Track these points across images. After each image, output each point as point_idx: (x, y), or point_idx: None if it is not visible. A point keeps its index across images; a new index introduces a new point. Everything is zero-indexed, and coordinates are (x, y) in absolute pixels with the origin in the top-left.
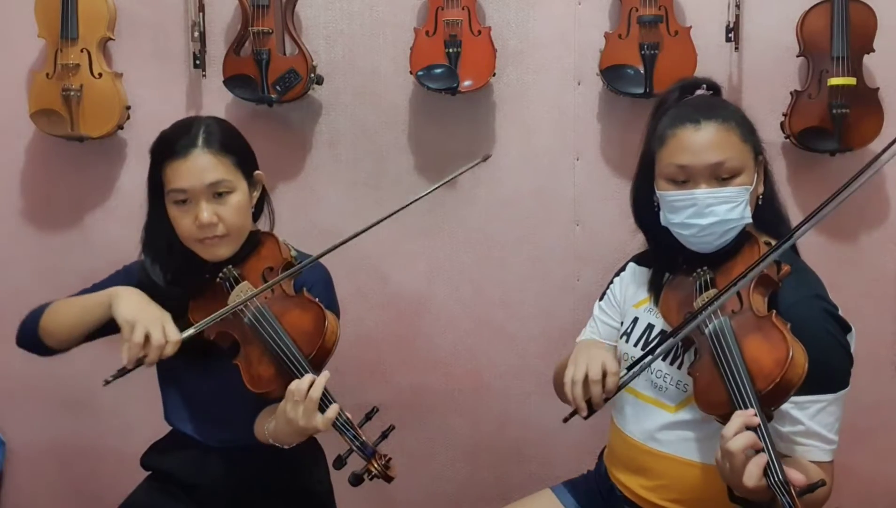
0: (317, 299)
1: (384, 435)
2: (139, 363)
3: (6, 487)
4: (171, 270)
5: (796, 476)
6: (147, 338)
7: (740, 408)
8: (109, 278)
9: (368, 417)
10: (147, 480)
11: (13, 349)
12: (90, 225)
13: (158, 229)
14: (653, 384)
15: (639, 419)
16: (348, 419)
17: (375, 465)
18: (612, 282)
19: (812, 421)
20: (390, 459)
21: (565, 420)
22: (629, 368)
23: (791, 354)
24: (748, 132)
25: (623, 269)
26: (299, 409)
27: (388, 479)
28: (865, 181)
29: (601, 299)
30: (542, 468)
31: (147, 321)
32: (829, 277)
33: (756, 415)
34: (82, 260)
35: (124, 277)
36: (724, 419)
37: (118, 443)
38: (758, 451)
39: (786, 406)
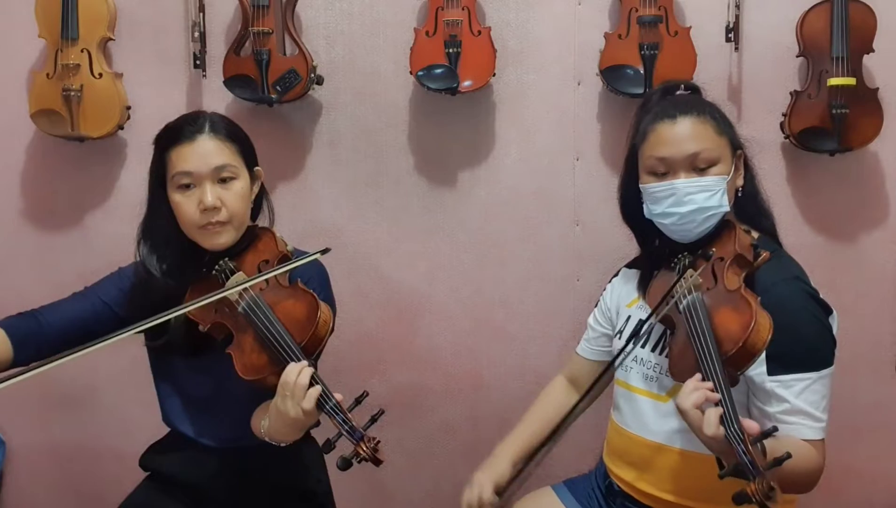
0: (311, 290)
1: (373, 419)
2: None
3: (6, 487)
4: (168, 261)
5: (750, 424)
6: None
7: (701, 368)
8: (103, 280)
9: (358, 401)
10: (146, 480)
11: None
12: (90, 225)
13: (158, 220)
14: (644, 376)
15: (633, 412)
16: (337, 402)
17: (364, 448)
18: (604, 290)
19: (798, 399)
20: (378, 442)
21: None
22: (613, 359)
23: (755, 318)
24: (724, 126)
25: (616, 275)
26: (288, 401)
27: (377, 462)
28: None
29: (595, 306)
30: (542, 467)
31: None
32: (829, 277)
33: (709, 378)
34: (82, 260)
35: (118, 279)
36: None
37: (118, 443)
38: (716, 406)
39: (771, 386)
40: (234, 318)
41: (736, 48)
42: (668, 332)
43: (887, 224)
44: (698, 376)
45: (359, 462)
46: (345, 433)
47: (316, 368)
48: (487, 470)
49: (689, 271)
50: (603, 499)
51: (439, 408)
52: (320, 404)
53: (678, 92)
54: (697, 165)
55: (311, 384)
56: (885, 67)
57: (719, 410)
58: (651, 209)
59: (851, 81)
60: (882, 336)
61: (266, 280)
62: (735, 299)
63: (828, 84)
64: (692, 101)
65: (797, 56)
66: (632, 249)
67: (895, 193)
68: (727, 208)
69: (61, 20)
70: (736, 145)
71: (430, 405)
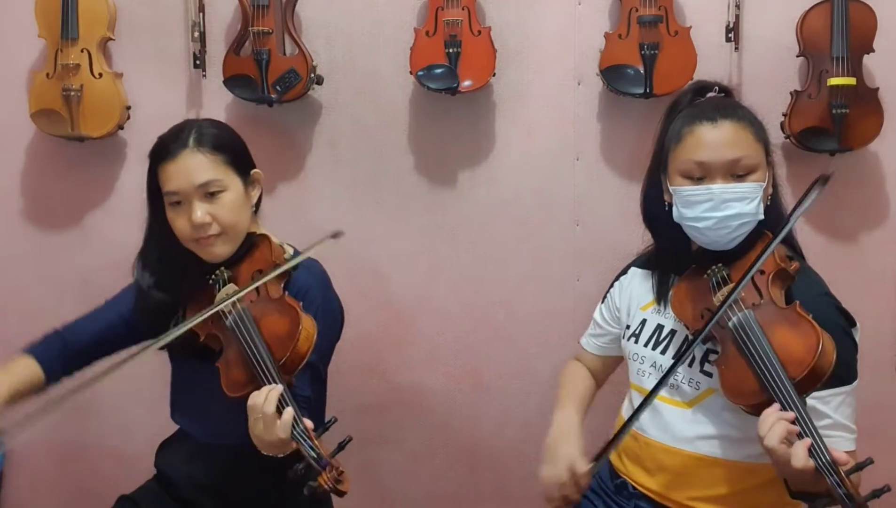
0: (299, 304)
1: (341, 446)
2: None
3: (6, 487)
4: (158, 275)
5: (841, 456)
6: None
7: (776, 395)
8: (119, 295)
9: (326, 427)
10: (151, 479)
11: (13, 349)
12: (90, 225)
13: (153, 233)
14: (667, 384)
15: (654, 418)
16: (305, 428)
17: (326, 478)
18: (612, 286)
19: (836, 414)
20: (343, 472)
21: None
22: (660, 380)
23: (821, 340)
24: (761, 132)
25: (624, 273)
26: (260, 424)
27: (339, 493)
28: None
29: (602, 302)
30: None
31: None
32: (829, 277)
33: (790, 408)
34: (82, 260)
35: (130, 293)
36: (754, 408)
37: (118, 443)
38: (799, 437)
39: (811, 403)
40: (223, 331)
41: (736, 48)
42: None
43: (887, 224)
44: (776, 406)
45: (321, 492)
46: (311, 460)
47: (291, 384)
48: (566, 444)
49: (730, 286)
50: (610, 499)
51: (439, 408)
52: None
53: (710, 94)
54: (736, 172)
55: (282, 406)
56: (885, 67)
57: (808, 441)
58: (683, 213)
59: (851, 80)
60: (882, 336)
61: (258, 291)
62: (791, 318)
63: (828, 84)
64: (730, 104)
65: (797, 56)
66: (632, 248)
67: (895, 193)
68: (762, 217)
69: (61, 20)
70: (769, 152)
71: (430, 405)
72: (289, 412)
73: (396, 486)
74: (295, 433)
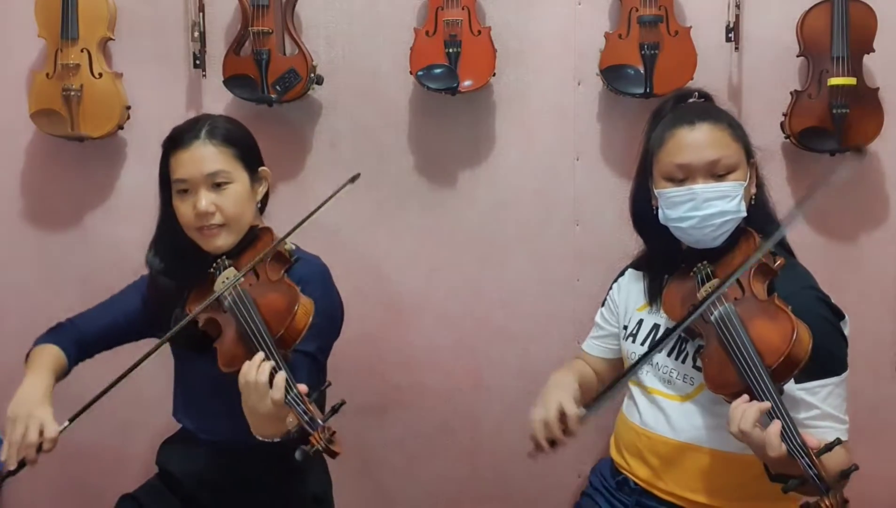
0: (298, 286)
1: (334, 410)
2: (22, 463)
3: (6, 487)
4: (167, 261)
5: (812, 440)
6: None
7: (752, 383)
8: (127, 288)
9: (321, 392)
10: (153, 476)
11: (13, 348)
12: (90, 225)
13: (164, 221)
14: (661, 380)
15: (653, 412)
16: (299, 392)
17: (318, 438)
18: (610, 289)
19: (824, 404)
20: (335, 433)
21: (530, 455)
22: (634, 364)
23: (796, 329)
24: (739, 132)
25: (621, 274)
26: (253, 395)
27: (332, 454)
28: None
29: (602, 305)
30: (543, 467)
31: (24, 419)
32: (829, 277)
33: (765, 395)
34: (82, 260)
35: (141, 285)
36: (734, 397)
37: (118, 442)
38: (770, 417)
39: (799, 394)
40: (222, 313)
41: (736, 48)
42: (686, 340)
43: (887, 224)
44: (745, 397)
45: (313, 453)
46: (304, 423)
47: (288, 358)
48: (558, 390)
49: (714, 281)
50: (612, 496)
51: (439, 408)
52: None
53: (691, 100)
54: (717, 172)
55: (274, 373)
56: (885, 67)
57: (779, 424)
58: (668, 214)
59: (852, 80)
60: (882, 336)
61: (257, 275)
62: (769, 310)
63: (828, 84)
64: (708, 108)
65: (797, 56)
66: (632, 248)
67: (895, 193)
68: (744, 214)
69: (61, 20)
70: (750, 153)
71: (430, 405)
72: (281, 375)
73: (396, 486)
74: (288, 397)
